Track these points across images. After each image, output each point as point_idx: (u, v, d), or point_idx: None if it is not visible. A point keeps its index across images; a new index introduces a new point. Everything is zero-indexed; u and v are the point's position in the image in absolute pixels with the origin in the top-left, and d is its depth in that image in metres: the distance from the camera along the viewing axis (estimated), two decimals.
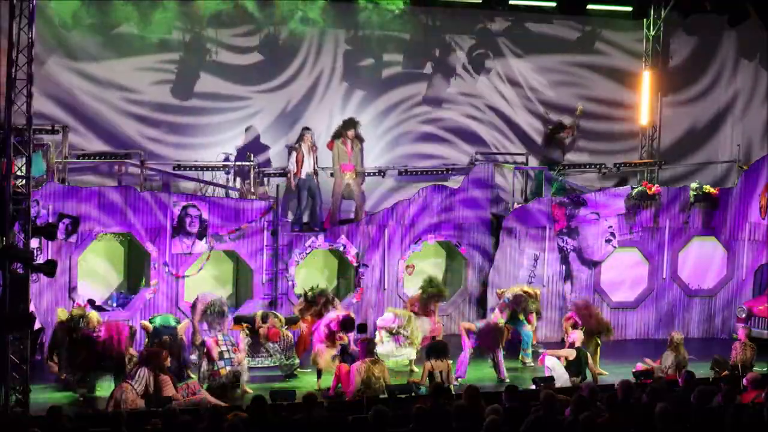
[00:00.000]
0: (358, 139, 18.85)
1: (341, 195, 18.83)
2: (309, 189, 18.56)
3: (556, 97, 21.68)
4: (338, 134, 18.77)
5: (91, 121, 18.91)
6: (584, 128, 21.75)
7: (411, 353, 16.33)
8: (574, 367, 15.32)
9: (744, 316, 18.72)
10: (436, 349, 14.87)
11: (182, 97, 19.44)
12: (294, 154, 18.50)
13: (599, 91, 22.02)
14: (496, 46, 21.30)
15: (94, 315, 15.26)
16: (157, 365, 13.94)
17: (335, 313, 15.72)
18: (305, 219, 18.71)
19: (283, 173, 18.94)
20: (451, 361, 14.97)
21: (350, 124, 18.78)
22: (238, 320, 16.23)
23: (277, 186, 18.49)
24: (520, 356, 17.16)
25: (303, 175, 18.44)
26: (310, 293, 16.68)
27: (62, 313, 15.27)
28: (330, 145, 18.78)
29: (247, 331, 15.85)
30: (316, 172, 18.61)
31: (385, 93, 20.69)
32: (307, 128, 18.82)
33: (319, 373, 15.44)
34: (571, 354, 15.45)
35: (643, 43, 21.80)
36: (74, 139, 18.57)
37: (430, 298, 17.09)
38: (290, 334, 16.15)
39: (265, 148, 19.85)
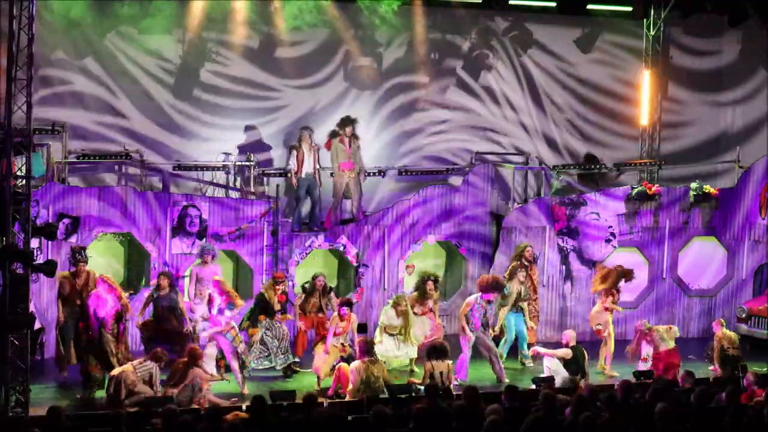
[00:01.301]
0: (355, 137, 18.81)
1: (342, 194, 18.82)
2: (308, 189, 18.56)
3: (556, 96, 21.72)
4: (335, 133, 18.74)
5: (92, 119, 18.96)
6: (585, 128, 21.90)
7: (412, 352, 16.33)
8: (573, 365, 15.34)
9: (744, 316, 18.71)
10: (436, 350, 14.89)
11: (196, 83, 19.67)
12: (294, 153, 18.50)
13: (600, 90, 22.07)
14: (496, 46, 21.32)
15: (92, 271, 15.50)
16: (195, 363, 14.19)
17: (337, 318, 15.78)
18: (304, 219, 18.73)
19: (284, 173, 18.95)
20: (450, 362, 14.97)
21: (348, 122, 18.74)
22: (255, 319, 16.23)
23: (277, 186, 18.50)
24: (519, 357, 17.17)
25: (303, 175, 18.44)
26: (307, 284, 16.71)
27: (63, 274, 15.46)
28: (328, 145, 18.75)
29: (264, 330, 15.94)
30: (317, 172, 18.60)
31: (385, 94, 20.71)
32: (305, 127, 18.81)
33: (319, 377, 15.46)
34: (568, 354, 15.49)
35: (642, 43, 21.85)
36: (74, 138, 18.63)
37: (428, 292, 17.04)
38: (286, 330, 16.20)
39: (267, 147, 19.86)
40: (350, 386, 14.30)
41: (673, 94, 22.54)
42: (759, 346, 17.92)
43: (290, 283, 18.09)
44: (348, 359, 15.11)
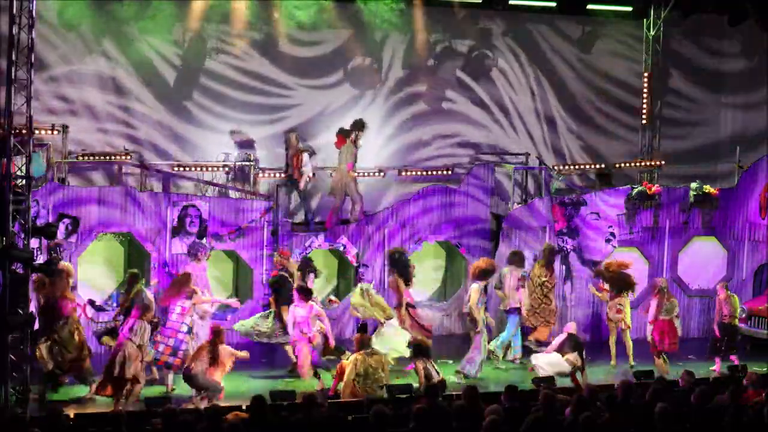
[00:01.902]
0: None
1: (344, 194, 18.82)
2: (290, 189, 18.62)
3: (556, 96, 21.75)
4: (348, 133, 18.80)
5: (93, 119, 19.01)
6: (586, 127, 21.97)
7: (396, 348, 16.29)
8: (572, 344, 15.64)
9: (744, 316, 18.70)
10: (420, 349, 15.04)
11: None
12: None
13: (600, 89, 22.11)
14: (496, 46, 21.34)
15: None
16: (220, 340, 14.30)
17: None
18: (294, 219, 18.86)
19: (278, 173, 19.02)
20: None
21: (361, 125, 18.81)
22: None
23: (277, 186, 18.52)
24: (513, 355, 17.24)
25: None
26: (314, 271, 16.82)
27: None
28: (341, 143, 18.77)
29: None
30: (291, 177, 18.57)
31: (385, 93, 20.73)
32: (288, 130, 18.84)
33: (317, 374, 15.45)
34: (562, 337, 15.82)
35: (642, 43, 21.90)
36: (75, 138, 18.66)
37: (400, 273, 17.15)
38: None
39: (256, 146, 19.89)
40: (345, 378, 14.35)
41: (673, 94, 22.58)
42: (759, 346, 17.90)
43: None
44: (323, 350, 15.20)
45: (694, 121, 22.72)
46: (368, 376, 14.24)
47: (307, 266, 16.58)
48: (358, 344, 14.67)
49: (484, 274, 16.41)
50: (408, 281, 17.11)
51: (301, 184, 18.51)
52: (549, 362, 15.42)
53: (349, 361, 14.50)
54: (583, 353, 15.76)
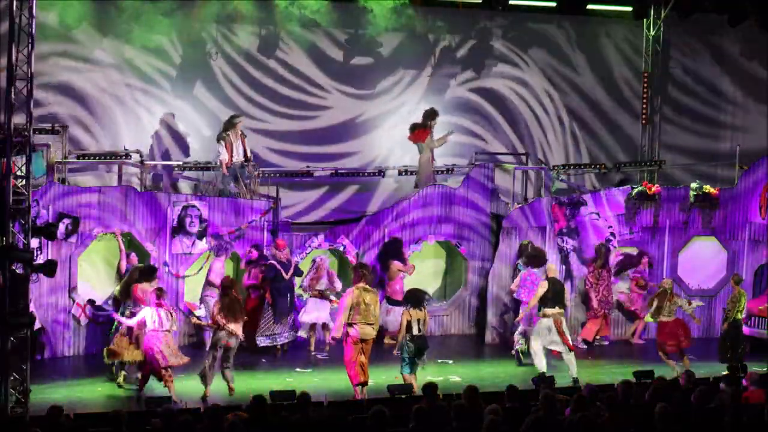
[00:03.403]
0: None
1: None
2: (237, 176, 18.43)
3: (556, 96, 21.76)
4: (427, 125, 19.21)
5: (93, 119, 19.03)
6: (586, 128, 21.98)
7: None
8: (552, 296, 15.88)
9: (744, 316, 18.68)
10: (414, 296, 14.99)
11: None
12: (222, 142, 18.32)
13: (600, 90, 22.12)
14: (496, 46, 21.35)
15: None
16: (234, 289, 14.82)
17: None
18: None
19: (214, 164, 19.00)
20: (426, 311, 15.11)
21: (435, 113, 19.40)
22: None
23: (277, 186, 18.51)
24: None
25: (233, 163, 18.37)
26: None
27: None
28: (424, 136, 19.09)
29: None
30: (248, 159, 18.48)
31: (385, 92, 20.74)
32: (237, 115, 18.76)
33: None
34: (543, 286, 15.97)
35: (642, 43, 21.92)
36: (75, 138, 18.67)
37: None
38: None
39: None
40: (339, 315, 14.63)
41: (673, 93, 22.58)
42: (759, 346, 17.90)
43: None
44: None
45: (695, 120, 22.70)
46: (360, 312, 14.45)
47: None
48: (356, 276, 14.86)
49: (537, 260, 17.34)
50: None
51: (255, 170, 18.64)
52: (541, 346, 15.79)
53: (346, 294, 14.71)
54: (566, 294, 16.24)
